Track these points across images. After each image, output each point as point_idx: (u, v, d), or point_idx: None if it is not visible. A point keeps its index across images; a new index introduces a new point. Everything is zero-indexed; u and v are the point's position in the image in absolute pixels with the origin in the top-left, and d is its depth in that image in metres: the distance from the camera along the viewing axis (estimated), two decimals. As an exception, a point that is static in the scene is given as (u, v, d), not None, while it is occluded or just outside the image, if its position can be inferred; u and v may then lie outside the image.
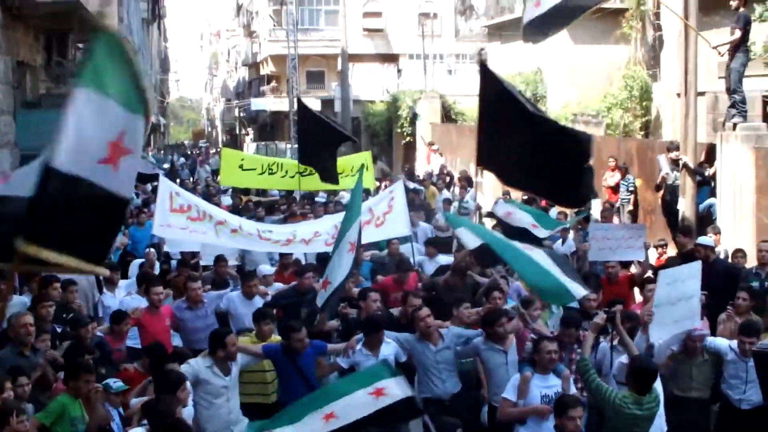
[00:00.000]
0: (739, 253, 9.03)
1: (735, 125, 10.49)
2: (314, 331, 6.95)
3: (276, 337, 6.86)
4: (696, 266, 6.68)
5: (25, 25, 13.71)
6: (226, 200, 15.98)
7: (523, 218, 8.75)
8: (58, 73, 15.62)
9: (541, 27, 8.46)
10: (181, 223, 8.95)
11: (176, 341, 7.79)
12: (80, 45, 17.32)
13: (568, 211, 11.55)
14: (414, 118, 24.68)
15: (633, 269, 9.18)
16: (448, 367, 6.62)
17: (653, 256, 9.80)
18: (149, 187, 17.35)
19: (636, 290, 8.85)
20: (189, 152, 42.41)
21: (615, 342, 6.41)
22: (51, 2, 12.67)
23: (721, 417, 6.79)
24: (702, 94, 11.57)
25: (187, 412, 5.79)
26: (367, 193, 12.71)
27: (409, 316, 7.07)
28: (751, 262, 8.81)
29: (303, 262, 9.81)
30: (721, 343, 6.69)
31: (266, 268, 9.41)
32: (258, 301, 7.99)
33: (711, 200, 11.08)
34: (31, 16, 13.49)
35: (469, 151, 17.94)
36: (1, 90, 11.66)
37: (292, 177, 13.20)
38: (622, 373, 6.02)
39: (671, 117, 15.41)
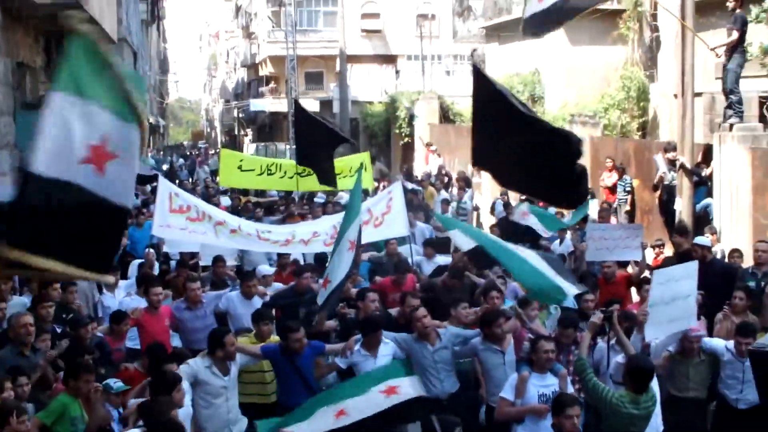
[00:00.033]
0: (736, 253, 9.09)
1: (732, 126, 10.53)
2: (312, 332, 6.96)
3: (275, 338, 6.89)
4: (691, 266, 6.70)
5: (25, 27, 13.73)
6: (225, 201, 16.01)
7: (531, 220, 8.78)
8: (57, 75, 15.62)
9: (541, 22, 8.53)
10: (181, 223, 8.97)
11: (176, 342, 7.80)
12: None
13: (565, 211, 11.59)
14: (411, 118, 24.72)
15: (630, 269, 9.23)
16: (446, 367, 6.64)
17: (650, 256, 9.84)
18: (148, 187, 17.37)
19: (633, 290, 8.90)
20: (188, 153, 42.43)
21: (613, 341, 6.46)
22: (51, 4, 12.67)
23: (717, 416, 6.82)
24: (699, 94, 11.61)
25: (186, 412, 5.81)
26: (366, 193, 12.74)
27: (407, 317, 7.11)
28: (748, 262, 8.87)
29: (302, 263, 9.85)
30: (718, 343, 6.72)
31: (265, 269, 9.43)
32: (257, 302, 8.01)
33: (708, 200, 11.12)
34: (31, 18, 13.51)
35: (467, 151, 17.87)
36: (1, 91, 11.67)
37: (291, 178, 13.24)
38: (619, 373, 6.04)
39: (668, 117, 15.45)
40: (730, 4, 10.50)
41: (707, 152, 11.39)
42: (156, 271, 9.75)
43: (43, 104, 3.58)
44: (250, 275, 8.66)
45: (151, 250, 10.20)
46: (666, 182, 11.71)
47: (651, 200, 12.77)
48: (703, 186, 11.18)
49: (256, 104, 41.09)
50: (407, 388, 5.77)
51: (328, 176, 12.06)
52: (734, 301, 7.35)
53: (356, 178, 8.01)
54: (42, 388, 5.92)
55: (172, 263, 10.26)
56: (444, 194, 16.39)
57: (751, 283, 8.00)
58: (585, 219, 11.28)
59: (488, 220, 15.41)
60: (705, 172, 11.17)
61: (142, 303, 7.93)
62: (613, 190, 13.71)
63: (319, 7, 37.09)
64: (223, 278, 9.36)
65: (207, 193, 17.07)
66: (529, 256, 6.70)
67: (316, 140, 12.13)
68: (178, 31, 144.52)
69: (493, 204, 15.21)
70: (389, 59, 35.89)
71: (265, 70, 40.97)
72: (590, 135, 15.06)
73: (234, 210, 13.92)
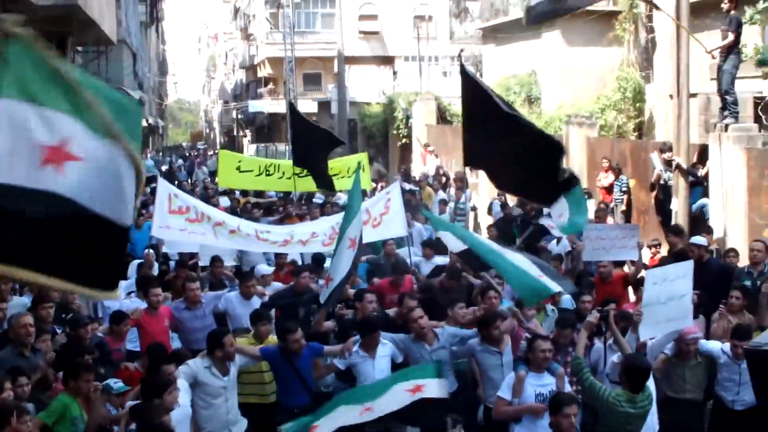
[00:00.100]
0: (732, 252, 9.14)
1: (727, 126, 10.58)
2: (311, 332, 6.99)
3: (273, 338, 6.91)
4: (686, 266, 6.73)
5: (24, 28, 13.76)
6: (224, 201, 16.04)
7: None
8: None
9: (543, 12, 8.63)
10: (180, 224, 8.98)
11: (176, 344, 7.83)
12: (79, 48, 17.38)
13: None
14: (407, 119, 24.79)
15: (626, 269, 9.28)
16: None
17: (647, 256, 9.89)
18: (147, 189, 17.40)
19: (630, 290, 8.95)
20: (187, 154, 42.41)
21: (610, 341, 6.50)
22: (50, 5, 12.71)
23: (714, 417, 6.85)
24: (694, 95, 11.66)
25: (185, 413, 5.83)
26: (364, 194, 12.80)
27: (405, 318, 7.14)
28: (743, 262, 8.93)
29: (300, 263, 9.88)
30: (714, 346, 6.74)
31: (264, 268, 9.45)
32: (256, 302, 8.03)
33: (703, 200, 11.17)
34: (31, 20, 13.52)
35: (464, 152, 17.92)
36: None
37: (289, 178, 13.28)
38: (615, 372, 6.07)
39: (664, 118, 15.52)
40: (725, 6, 10.56)
41: (703, 152, 11.44)
42: (155, 271, 9.79)
43: None
44: (249, 275, 8.69)
45: (151, 251, 10.22)
46: (663, 181, 11.76)
47: (647, 200, 12.82)
48: (698, 186, 11.22)
49: (254, 105, 41.15)
50: (433, 388, 5.84)
51: (325, 180, 12.14)
52: (731, 300, 7.40)
53: (354, 177, 8.05)
54: (42, 389, 5.94)
55: (172, 264, 10.29)
56: (442, 195, 16.44)
57: (747, 283, 8.04)
58: (582, 219, 11.30)
59: (486, 221, 15.47)
60: (701, 172, 11.22)
61: (142, 304, 7.95)
62: (609, 190, 13.76)
63: (317, 9, 37.12)
64: (220, 278, 9.39)
65: (206, 194, 17.09)
66: (516, 258, 6.77)
67: (312, 141, 12.21)
68: (176, 33, 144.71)
69: (491, 204, 15.26)
70: (387, 60, 35.93)
71: (264, 72, 41.02)
72: (587, 135, 15.12)
73: (233, 211, 13.96)
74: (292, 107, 13.70)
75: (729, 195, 10.43)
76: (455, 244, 7.66)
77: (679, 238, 9.47)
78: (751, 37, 12.15)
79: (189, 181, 26.29)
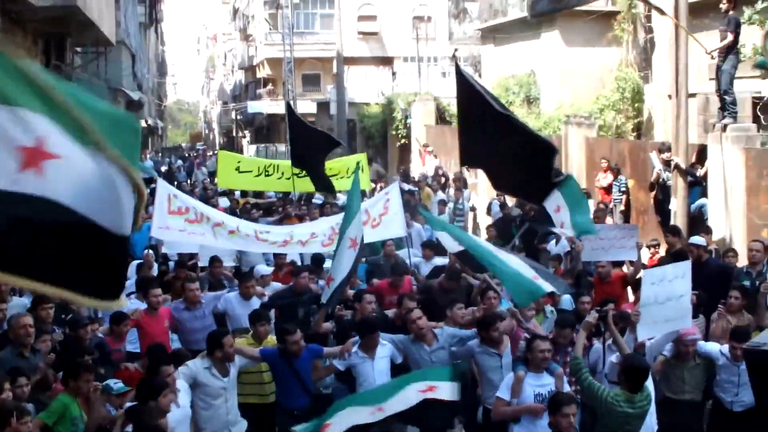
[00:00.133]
0: (730, 252, 9.15)
1: (725, 126, 10.60)
2: (310, 333, 7.00)
3: (272, 338, 6.91)
4: (684, 266, 6.74)
5: (24, 30, 13.79)
6: (224, 202, 16.05)
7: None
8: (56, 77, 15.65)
9: (546, 5, 8.67)
10: (180, 225, 8.99)
11: (176, 344, 7.83)
12: (78, 49, 17.40)
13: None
14: (406, 119, 24.82)
15: (625, 269, 9.29)
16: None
17: (646, 256, 9.90)
18: (147, 189, 17.41)
19: (629, 290, 8.96)
20: (186, 155, 42.39)
21: (609, 341, 6.51)
22: (49, 6, 12.73)
23: (713, 418, 6.86)
24: (693, 95, 11.67)
25: (185, 414, 5.84)
26: (363, 194, 12.82)
27: (404, 318, 7.15)
28: (742, 262, 8.95)
29: (300, 264, 9.88)
30: (713, 348, 6.76)
31: (263, 269, 9.45)
32: (255, 302, 8.03)
33: (702, 200, 11.19)
34: (30, 21, 13.56)
35: (464, 153, 17.94)
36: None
37: (288, 179, 13.29)
38: (614, 372, 6.08)
39: (663, 118, 15.55)
40: (723, 6, 10.58)
41: (701, 152, 11.46)
42: (155, 272, 9.79)
43: None
44: (248, 276, 8.70)
45: (150, 252, 10.22)
46: (662, 181, 11.78)
47: (646, 200, 12.84)
48: (697, 186, 11.24)
49: (253, 106, 41.14)
50: (445, 390, 5.85)
51: (323, 182, 12.16)
52: (730, 300, 7.42)
53: (353, 178, 8.06)
54: (42, 389, 5.95)
55: (171, 264, 10.29)
56: (441, 195, 16.46)
57: (746, 283, 8.06)
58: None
59: (485, 221, 15.48)
60: (699, 172, 11.24)
61: (142, 305, 7.95)
62: (608, 190, 13.78)
63: (316, 10, 37.12)
64: (219, 279, 9.40)
65: (205, 195, 17.10)
66: (511, 259, 6.78)
67: (310, 142, 12.23)
68: (176, 34, 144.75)
69: (490, 204, 15.28)
70: (386, 61, 35.93)
71: (263, 73, 41.02)
72: (585, 136, 15.14)
73: (232, 211, 13.96)
74: (289, 109, 13.69)
75: (728, 195, 10.45)
76: (453, 245, 7.66)
77: (677, 239, 9.49)
78: (749, 38, 12.17)
79: (188, 181, 26.29)
